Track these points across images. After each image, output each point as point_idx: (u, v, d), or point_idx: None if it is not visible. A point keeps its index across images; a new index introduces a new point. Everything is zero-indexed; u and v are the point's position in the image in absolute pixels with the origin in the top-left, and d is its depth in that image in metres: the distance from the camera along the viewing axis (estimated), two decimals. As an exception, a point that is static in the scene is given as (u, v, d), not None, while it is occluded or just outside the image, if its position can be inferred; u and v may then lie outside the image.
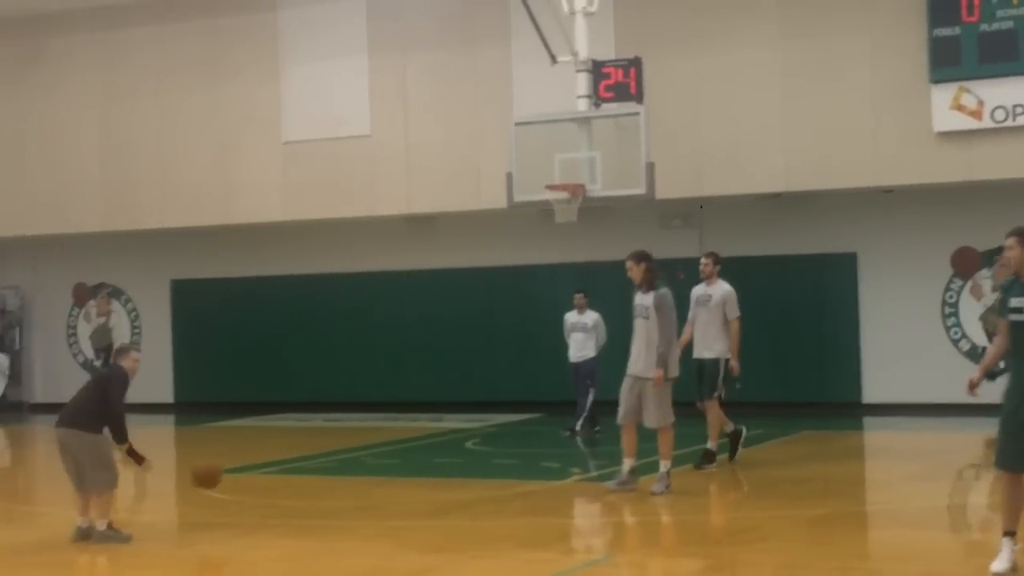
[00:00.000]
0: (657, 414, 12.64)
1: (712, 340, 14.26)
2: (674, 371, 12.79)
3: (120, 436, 10.95)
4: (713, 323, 14.21)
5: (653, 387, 12.60)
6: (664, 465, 12.65)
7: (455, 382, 22.81)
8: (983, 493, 13.69)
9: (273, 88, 22.33)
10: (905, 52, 18.47)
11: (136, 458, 11.02)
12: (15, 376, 25.76)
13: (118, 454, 11.04)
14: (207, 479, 12.05)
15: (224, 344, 24.65)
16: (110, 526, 10.85)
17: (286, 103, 22.29)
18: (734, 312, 14.40)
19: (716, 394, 14.22)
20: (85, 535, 10.84)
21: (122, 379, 11.13)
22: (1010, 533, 8.75)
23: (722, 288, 14.35)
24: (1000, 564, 8.63)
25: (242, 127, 22.53)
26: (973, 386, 9.28)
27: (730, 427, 14.50)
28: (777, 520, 11.30)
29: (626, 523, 11.65)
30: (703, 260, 14.22)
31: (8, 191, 24.27)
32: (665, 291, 12.78)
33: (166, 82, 23.11)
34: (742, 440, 14.61)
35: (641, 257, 12.90)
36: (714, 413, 14.23)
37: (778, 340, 21.06)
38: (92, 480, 10.82)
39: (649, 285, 12.78)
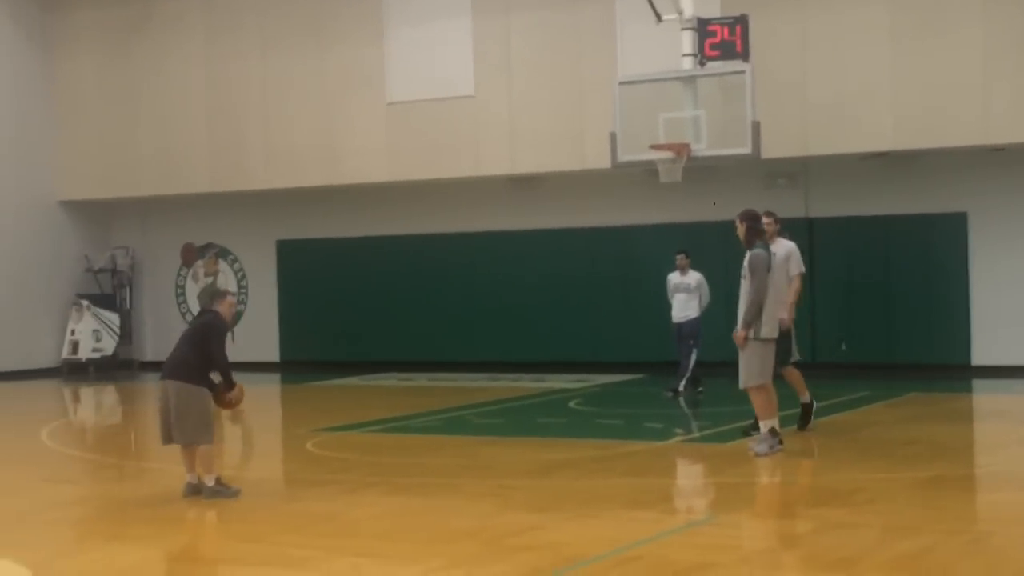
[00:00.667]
0: (743, 374, 12.49)
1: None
2: (768, 332, 12.52)
3: (228, 381, 11.08)
4: (777, 284, 13.44)
5: (741, 347, 12.46)
6: (763, 425, 12.53)
7: (558, 342, 22.83)
8: (1097, 457, 13.44)
9: (377, 49, 22.43)
10: (1019, 7, 18.06)
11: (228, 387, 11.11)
12: (125, 335, 26.24)
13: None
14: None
15: (329, 304, 24.89)
16: (218, 481, 11.01)
17: (390, 64, 22.37)
18: (797, 268, 13.92)
19: (792, 359, 13.78)
20: (195, 490, 11.02)
21: (220, 327, 11.23)
22: None
23: (785, 246, 13.82)
24: None
25: (347, 88, 22.67)
26: None
27: (806, 397, 14.06)
28: (884, 482, 11.18)
29: (730, 484, 11.59)
30: (764, 220, 13.50)
31: (118, 153, 24.69)
32: (758, 251, 12.54)
33: (271, 45, 23.31)
34: (814, 411, 14.06)
35: (744, 216, 12.73)
36: (793, 377, 13.80)
37: (886, 301, 20.81)
38: (186, 434, 10.92)
39: (749, 244, 12.61)
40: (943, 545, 8.69)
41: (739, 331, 12.43)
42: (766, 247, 12.76)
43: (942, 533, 9.04)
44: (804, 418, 13.91)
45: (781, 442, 12.49)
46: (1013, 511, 10.03)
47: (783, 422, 12.88)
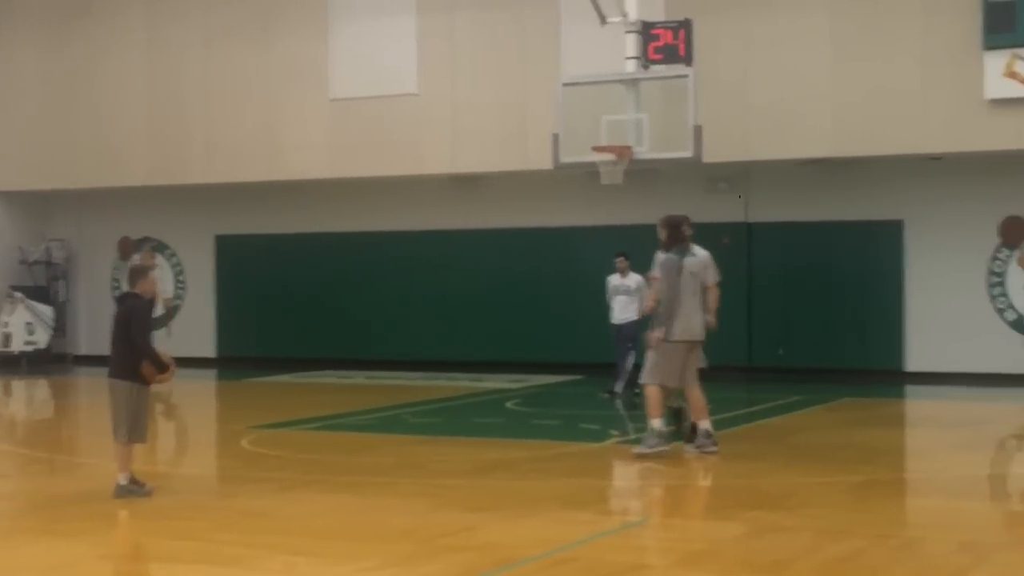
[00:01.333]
0: (645, 370, 12.81)
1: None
2: (680, 335, 12.55)
3: (156, 363, 10.84)
4: (687, 290, 12.94)
5: (653, 348, 12.70)
6: (649, 424, 12.63)
7: (497, 342, 22.84)
8: (1025, 464, 13.64)
9: (321, 45, 22.33)
10: (958, 17, 18.26)
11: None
12: (60, 328, 25.97)
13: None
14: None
15: (267, 300, 24.76)
16: (132, 480, 10.85)
17: (334, 61, 22.29)
18: (714, 277, 13.60)
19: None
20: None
21: (141, 310, 11.01)
22: None
23: (702, 254, 13.53)
24: None
25: (289, 84, 22.56)
26: None
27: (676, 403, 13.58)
28: (817, 486, 11.27)
29: (665, 486, 11.64)
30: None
31: (56, 144, 24.43)
32: (671, 256, 12.66)
33: (214, 37, 23.15)
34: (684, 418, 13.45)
35: (668, 222, 12.98)
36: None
37: (821, 307, 21.00)
38: (121, 432, 10.80)
39: (667, 249, 12.83)
40: (873, 549, 8.77)
41: (654, 333, 12.62)
42: (681, 253, 12.77)
43: (873, 537, 9.12)
44: (691, 432, 13.13)
45: (715, 444, 12.57)
46: (942, 517, 10.13)
47: (717, 425, 12.94)
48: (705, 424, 12.76)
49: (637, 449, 12.64)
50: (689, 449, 12.72)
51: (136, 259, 25.78)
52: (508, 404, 18.05)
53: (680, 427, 13.24)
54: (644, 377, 12.84)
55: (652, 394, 12.70)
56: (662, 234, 12.84)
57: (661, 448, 12.54)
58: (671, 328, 12.57)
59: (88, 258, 26.50)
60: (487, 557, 8.61)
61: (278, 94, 22.64)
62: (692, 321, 12.70)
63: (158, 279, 25.27)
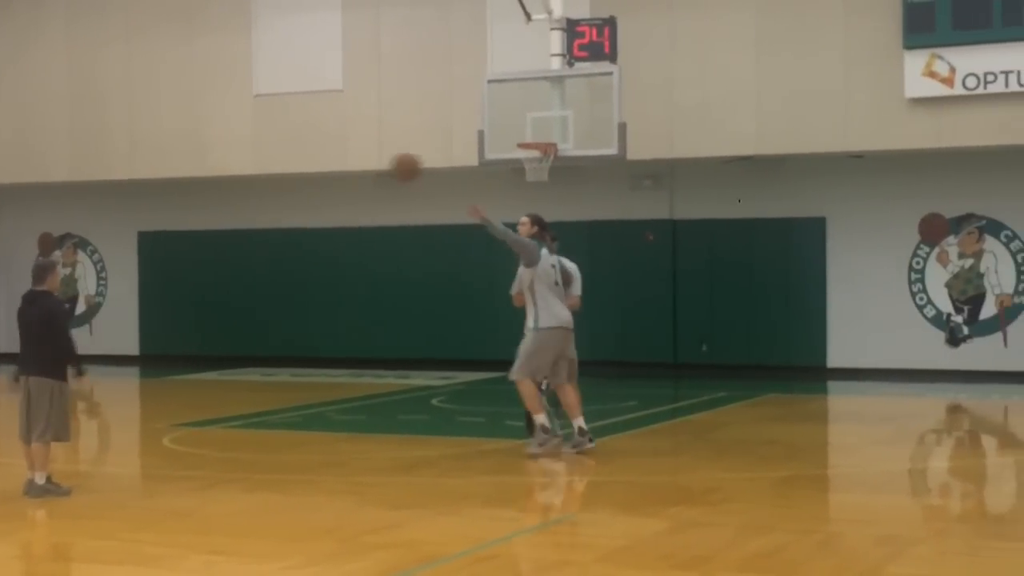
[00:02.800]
0: (515, 364, 12.72)
1: None
2: (546, 322, 12.59)
3: (76, 361, 10.85)
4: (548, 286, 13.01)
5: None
6: (535, 420, 12.60)
7: (422, 339, 22.80)
8: (944, 458, 13.81)
9: (245, 40, 22.16)
10: (879, 17, 18.44)
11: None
12: (-20, 325, 25.58)
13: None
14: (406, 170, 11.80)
15: (191, 297, 24.55)
16: (49, 479, 10.74)
17: (258, 56, 22.12)
18: (578, 290, 13.66)
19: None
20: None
21: (61, 312, 10.97)
22: None
23: (571, 265, 13.69)
24: None
25: (213, 79, 22.36)
26: None
27: (580, 420, 13.00)
28: (740, 482, 11.35)
29: (589, 482, 11.67)
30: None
31: (-25, 139, 24.06)
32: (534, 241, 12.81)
33: (137, 31, 22.89)
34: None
35: (535, 220, 13.21)
36: (570, 397, 12.90)
37: (745, 303, 21.15)
38: (40, 430, 10.66)
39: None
40: (795, 544, 8.85)
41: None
42: (540, 245, 12.90)
43: (794, 532, 9.20)
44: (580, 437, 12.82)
45: (591, 440, 12.59)
46: (863, 511, 10.24)
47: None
48: (579, 422, 12.56)
49: (528, 450, 12.57)
50: (567, 450, 12.59)
51: (57, 255, 25.52)
52: (434, 401, 18.02)
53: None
54: (515, 373, 12.62)
55: (527, 389, 12.59)
56: (531, 231, 12.97)
57: (552, 442, 12.46)
58: (537, 316, 12.57)
59: (7, 255, 26.10)
60: (410, 555, 8.59)
61: (201, 89, 22.44)
62: (555, 311, 12.63)
63: (80, 276, 25.38)
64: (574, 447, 12.60)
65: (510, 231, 12.70)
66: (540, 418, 12.55)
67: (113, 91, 23.03)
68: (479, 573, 8.19)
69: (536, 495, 11.54)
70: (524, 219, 13.24)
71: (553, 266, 12.84)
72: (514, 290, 13.19)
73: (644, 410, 16.71)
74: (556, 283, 12.76)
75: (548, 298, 12.71)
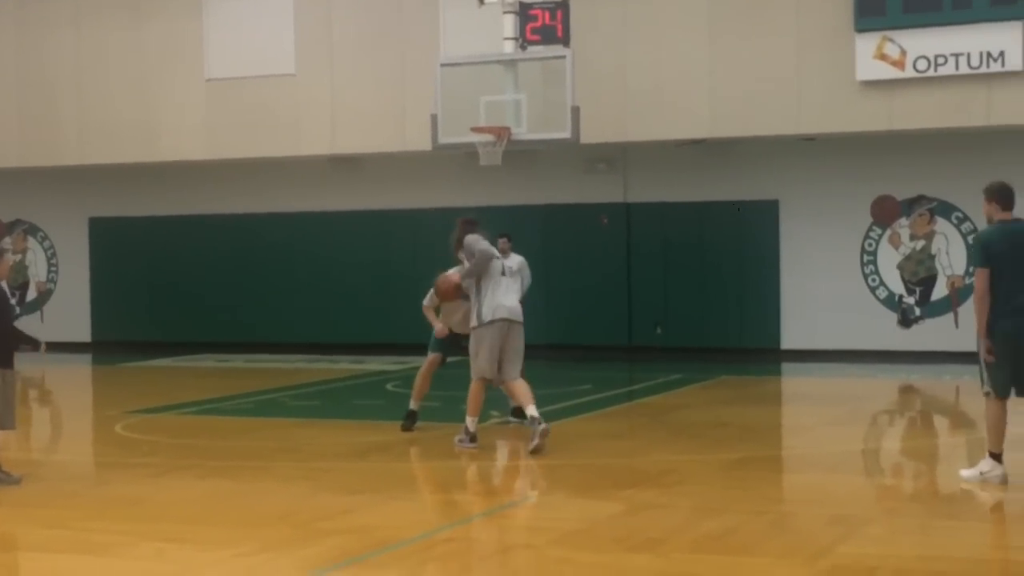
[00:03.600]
0: (471, 364, 12.34)
1: None
2: (486, 316, 12.11)
3: (26, 341, 10.77)
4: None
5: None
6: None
7: (377, 324, 22.74)
8: (896, 438, 13.92)
9: (196, 24, 22.00)
10: (830, 0, 18.51)
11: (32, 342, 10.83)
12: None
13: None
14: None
15: (144, 283, 24.39)
16: (0, 469, 10.66)
17: (209, 40, 21.97)
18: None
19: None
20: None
21: (5, 295, 10.86)
22: None
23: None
24: None
25: (164, 63, 22.19)
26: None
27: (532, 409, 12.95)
28: (694, 464, 11.39)
29: (543, 466, 11.67)
30: (500, 241, 13.49)
31: (-78, 124, 23.77)
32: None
33: (86, 15, 22.68)
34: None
35: (464, 223, 12.63)
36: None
37: (699, 286, 21.22)
38: None
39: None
40: (747, 525, 8.88)
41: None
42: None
43: (747, 513, 9.24)
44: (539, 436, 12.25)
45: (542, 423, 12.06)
46: (814, 492, 10.30)
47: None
48: (532, 411, 12.00)
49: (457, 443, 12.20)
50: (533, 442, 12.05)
51: (7, 242, 25.29)
52: (389, 386, 17.98)
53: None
54: (474, 372, 12.34)
55: (474, 389, 12.30)
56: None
57: (471, 446, 12.09)
58: (480, 312, 12.15)
59: (-43, 242, 25.89)
60: (364, 540, 8.57)
61: (152, 74, 22.26)
62: (497, 305, 12.18)
63: (31, 263, 25.16)
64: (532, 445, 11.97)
65: (472, 268, 12.25)
66: (470, 421, 12.23)
67: (62, 76, 22.82)
68: (434, 558, 8.19)
69: (491, 479, 11.54)
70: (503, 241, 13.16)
71: (496, 257, 12.41)
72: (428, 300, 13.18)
73: (599, 393, 16.74)
74: (503, 273, 12.46)
75: (488, 292, 12.26)
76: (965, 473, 10.19)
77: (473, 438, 12.11)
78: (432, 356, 13.41)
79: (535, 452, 11.71)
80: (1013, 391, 9.95)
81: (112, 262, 24.72)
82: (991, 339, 9.83)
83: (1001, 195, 10.02)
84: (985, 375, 9.95)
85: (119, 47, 22.45)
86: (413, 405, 13.31)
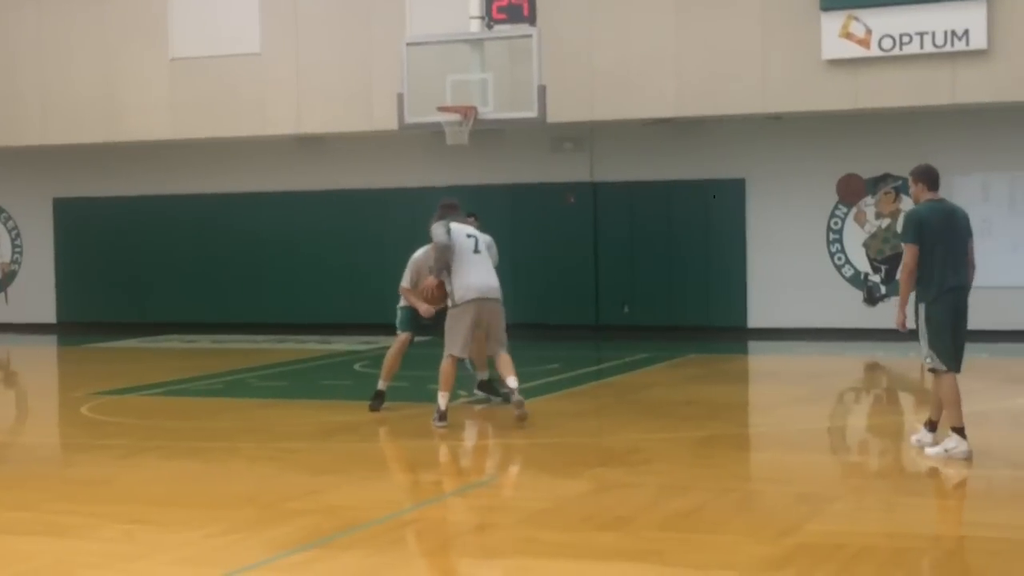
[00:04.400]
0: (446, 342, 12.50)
1: None
2: (460, 298, 12.31)
3: None
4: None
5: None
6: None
7: (344, 304, 22.70)
8: (862, 415, 13.99)
9: (160, 2, 21.85)
10: (796, -21, 18.55)
11: None
12: None
13: None
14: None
15: (109, 264, 24.27)
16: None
17: (173, 18, 21.82)
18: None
19: None
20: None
21: None
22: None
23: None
24: None
25: (128, 42, 22.03)
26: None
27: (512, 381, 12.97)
28: (661, 442, 11.43)
29: (511, 445, 11.69)
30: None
31: None
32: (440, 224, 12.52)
33: (48, -6, 22.49)
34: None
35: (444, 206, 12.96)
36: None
37: (666, 265, 21.27)
38: None
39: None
40: (714, 503, 8.92)
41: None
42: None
43: (714, 491, 9.28)
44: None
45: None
46: (781, 470, 10.36)
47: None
48: (512, 382, 12.28)
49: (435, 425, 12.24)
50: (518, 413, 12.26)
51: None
52: (356, 366, 17.97)
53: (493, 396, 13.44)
54: (449, 349, 12.48)
55: (446, 367, 12.43)
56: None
57: (439, 425, 12.15)
58: (453, 294, 12.32)
59: (-80, 223, 25.67)
60: (332, 520, 8.56)
61: (115, 53, 22.10)
62: (467, 285, 12.32)
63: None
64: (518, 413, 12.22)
65: (436, 263, 12.38)
66: (442, 396, 12.29)
67: (24, 54, 22.63)
68: (401, 538, 8.19)
69: (458, 459, 11.54)
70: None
71: (469, 236, 12.56)
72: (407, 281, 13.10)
73: (566, 372, 16.77)
74: (476, 251, 12.53)
75: (459, 273, 12.35)
76: (930, 451, 10.32)
77: (443, 416, 12.12)
78: (403, 336, 13.41)
79: (521, 419, 11.99)
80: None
81: (77, 242, 24.58)
82: (929, 315, 10.18)
83: (927, 176, 10.41)
84: (933, 353, 10.21)
85: (82, 25, 22.28)
86: (381, 385, 13.32)
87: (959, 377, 10.28)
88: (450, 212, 12.73)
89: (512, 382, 12.26)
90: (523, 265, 20.76)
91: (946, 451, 10.16)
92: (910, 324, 10.45)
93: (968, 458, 10.06)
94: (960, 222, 10.40)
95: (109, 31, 22.13)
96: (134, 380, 16.50)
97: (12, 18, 22.70)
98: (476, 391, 13.89)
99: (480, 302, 12.28)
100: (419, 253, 13.20)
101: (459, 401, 13.82)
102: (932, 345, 10.22)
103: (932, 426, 10.57)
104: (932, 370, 10.34)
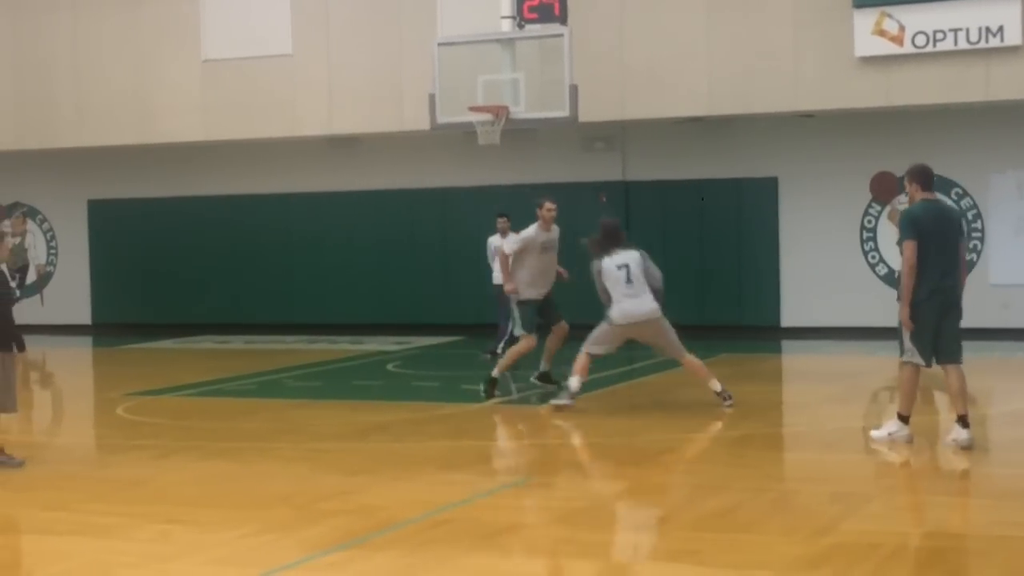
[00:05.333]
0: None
1: None
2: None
3: (8, 344, 10.62)
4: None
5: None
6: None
7: (377, 304, 22.74)
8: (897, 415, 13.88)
9: (193, 5, 21.93)
10: (828, -23, 18.47)
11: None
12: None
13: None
14: None
15: (143, 265, 24.38)
16: (1, 451, 10.64)
17: (205, 21, 21.90)
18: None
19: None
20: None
21: (4, 279, 10.83)
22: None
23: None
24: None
25: (160, 44, 22.13)
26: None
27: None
28: (696, 442, 11.42)
29: (546, 445, 11.69)
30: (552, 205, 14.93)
31: (-81, 108, 23.71)
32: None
33: (81, -3, 22.62)
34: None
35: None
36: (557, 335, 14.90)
37: (698, 264, 21.20)
38: None
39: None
40: (748, 503, 8.90)
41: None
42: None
43: (748, 491, 9.26)
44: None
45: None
46: (815, 469, 10.33)
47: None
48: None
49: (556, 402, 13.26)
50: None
51: (7, 225, 25.27)
52: (389, 366, 18.00)
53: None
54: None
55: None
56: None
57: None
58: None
59: (-44, 225, 25.86)
60: (366, 520, 8.59)
61: (148, 55, 22.20)
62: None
63: (30, 245, 25.15)
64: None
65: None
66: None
67: (59, 58, 22.76)
68: (435, 538, 8.20)
69: (492, 459, 11.56)
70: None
71: (620, 267, 13.63)
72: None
73: (599, 372, 16.72)
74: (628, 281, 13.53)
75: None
76: (875, 433, 10.89)
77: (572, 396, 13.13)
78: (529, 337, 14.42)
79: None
80: (934, 360, 10.65)
81: (111, 244, 24.71)
82: (916, 313, 10.49)
83: (922, 176, 10.86)
84: (908, 345, 10.58)
85: (116, 28, 22.39)
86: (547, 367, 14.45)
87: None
88: (612, 243, 13.77)
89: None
90: (555, 265, 20.71)
91: (889, 434, 10.70)
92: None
93: (910, 442, 10.62)
94: (953, 223, 10.84)
95: (142, 34, 22.23)
96: (168, 381, 16.58)
97: (47, 22, 22.84)
98: (536, 380, 14.57)
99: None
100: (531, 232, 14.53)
101: (491, 402, 13.85)
102: (914, 341, 10.52)
103: (963, 421, 10.63)
104: (908, 363, 10.66)
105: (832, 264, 20.65)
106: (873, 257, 20.58)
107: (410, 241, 22.63)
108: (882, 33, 18.06)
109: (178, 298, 24.09)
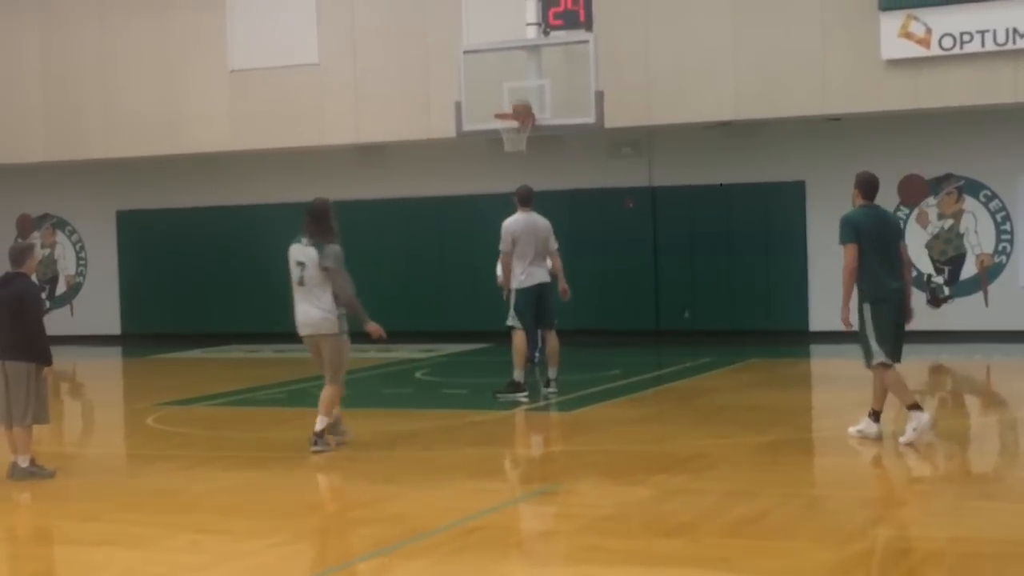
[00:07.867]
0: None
1: None
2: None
3: (45, 356, 10.67)
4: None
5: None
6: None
7: (404, 312, 22.75)
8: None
9: (219, 15, 22.03)
10: (854, -20, 18.42)
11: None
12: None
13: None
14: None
15: (172, 275, 24.48)
16: (32, 462, 10.70)
17: (232, 31, 22.00)
18: (555, 243, 15.36)
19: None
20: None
21: (35, 295, 10.88)
22: None
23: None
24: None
25: (188, 55, 22.24)
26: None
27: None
28: (724, 447, 11.38)
29: (574, 452, 11.69)
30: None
31: (-51, 121, 23.89)
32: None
33: (110, 8, 22.75)
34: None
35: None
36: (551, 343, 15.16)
37: (726, 269, 21.17)
38: (20, 414, 10.60)
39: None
40: (779, 509, 8.88)
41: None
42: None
43: (779, 497, 9.23)
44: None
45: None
46: (846, 475, 10.29)
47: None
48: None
49: None
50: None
51: (35, 236, 25.40)
52: (418, 374, 18.02)
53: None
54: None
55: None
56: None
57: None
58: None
59: (-14, 237, 26.00)
60: (397, 528, 8.60)
61: (176, 66, 22.32)
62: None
63: (59, 256, 25.28)
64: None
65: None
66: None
67: (88, 69, 22.90)
68: (465, 546, 8.21)
69: (521, 466, 11.56)
70: None
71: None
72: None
73: (627, 378, 16.73)
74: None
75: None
76: (903, 439, 11.04)
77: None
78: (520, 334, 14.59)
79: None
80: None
81: (140, 254, 24.82)
82: (875, 315, 11.17)
83: (866, 186, 11.94)
84: (875, 349, 11.12)
85: (143, 40, 22.51)
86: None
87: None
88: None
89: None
90: (582, 271, 20.71)
91: (914, 430, 10.95)
92: (854, 324, 11.36)
93: (879, 438, 11.14)
94: (891, 227, 11.67)
95: (169, 45, 22.35)
96: (198, 391, 16.65)
97: (75, 34, 22.99)
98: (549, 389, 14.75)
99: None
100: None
101: (520, 408, 13.85)
102: (880, 343, 11.10)
103: (913, 408, 11.16)
104: (880, 365, 11.14)
105: (861, 268, 20.53)
106: (902, 260, 20.46)
107: (438, 248, 22.66)
108: (909, 36, 18.00)
109: (207, 308, 24.17)
